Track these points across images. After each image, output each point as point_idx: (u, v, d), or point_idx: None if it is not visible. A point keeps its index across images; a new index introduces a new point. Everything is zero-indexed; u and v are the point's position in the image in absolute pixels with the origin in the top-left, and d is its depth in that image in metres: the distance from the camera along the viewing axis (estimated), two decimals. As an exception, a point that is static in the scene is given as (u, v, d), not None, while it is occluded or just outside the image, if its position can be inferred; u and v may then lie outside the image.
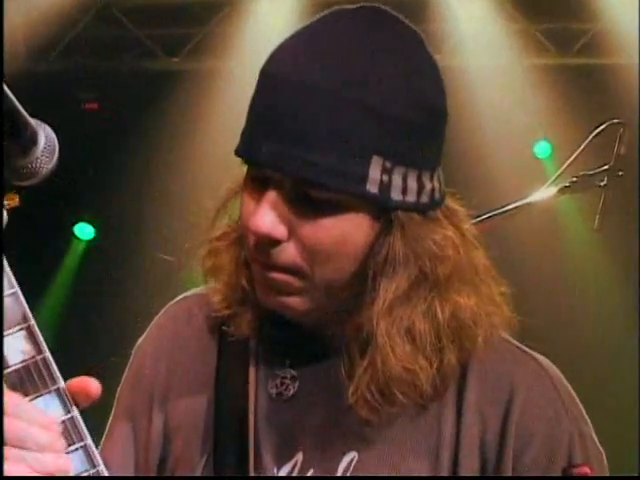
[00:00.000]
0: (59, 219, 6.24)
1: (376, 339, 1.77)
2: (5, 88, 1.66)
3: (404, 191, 1.78)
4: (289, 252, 1.77)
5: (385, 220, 1.78)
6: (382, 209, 1.77)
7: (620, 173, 3.55)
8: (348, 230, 1.78)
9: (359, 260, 1.80)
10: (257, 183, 1.78)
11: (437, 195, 1.81)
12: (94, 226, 6.56)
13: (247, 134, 1.77)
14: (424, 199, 1.80)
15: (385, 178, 1.75)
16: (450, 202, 1.86)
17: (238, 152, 1.79)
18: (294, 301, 1.82)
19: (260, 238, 1.76)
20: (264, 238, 1.75)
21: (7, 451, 1.58)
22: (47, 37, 5.90)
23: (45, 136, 1.68)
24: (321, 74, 1.74)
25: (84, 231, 6.55)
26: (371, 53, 1.77)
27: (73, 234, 6.57)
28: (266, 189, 1.76)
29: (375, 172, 1.75)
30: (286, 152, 1.72)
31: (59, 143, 1.67)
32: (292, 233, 1.77)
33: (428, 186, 1.81)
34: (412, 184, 1.79)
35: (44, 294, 6.25)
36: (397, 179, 1.76)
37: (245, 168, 1.81)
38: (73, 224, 6.53)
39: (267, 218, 1.74)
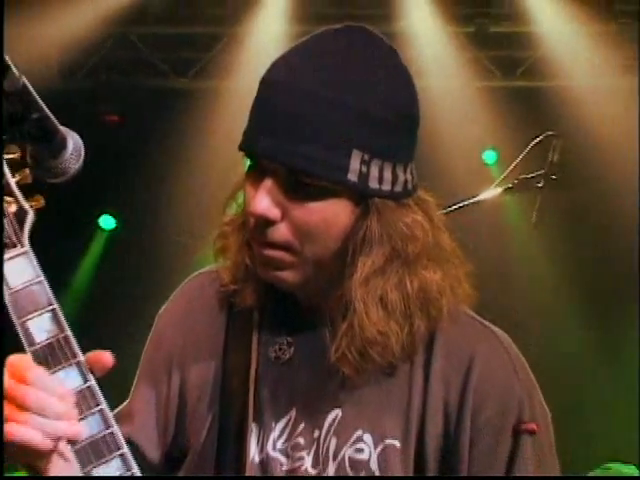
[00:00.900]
0: (85, 212, 6.20)
1: (354, 306, 1.78)
2: (39, 100, 1.65)
3: (380, 181, 1.78)
4: (282, 231, 1.77)
5: (364, 205, 1.78)
6: (361, 196, 1.77)
7: (553, 177, 3.59)
8: (332, 213, 1.78)
9: (341, 239, 1.79)
10: (256, 173, 1.78)
11: (409, 186, 1.82)
12: (115, 218, 6.52)
13: (248, 131, 1.77)
14: (398, 188, 1.80)
15: (364, 169, 1.76)
16: (422, 193, 1.85)
17: (241, 147, 1.79)
18: (287, 275, 1.81)
19: (258, 219, 1.76)
20: (261, 219, 1.75)
21: (28, 418, 1.57)
22: (75, 59, 5.87)
23: (73, 141, 1.66)
24: (311, 81, 1.75)
25: (107, 222, 6.52)
26: (353, 64, 1.78)
27: (97, 225, 6.53)
28: (263, 178, 1.76)
29: (355, 163, 1.75)
30: (279, 145, 1.73)
31: (85, 148, 1.67)
32: (285, 215, 1.76)
33: (401, 177, 1.82)
34: (387, 175, 1.79)
35: (72, 277, 6.22)
36: (374, 170, 1.77)
37: (247, 163, 1.80)
38: (97, 216, 6.49)
39: (264, 202, 1.75)
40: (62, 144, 1.66)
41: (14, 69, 1.60)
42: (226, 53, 5.96)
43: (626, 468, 4.42)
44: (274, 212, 1.76)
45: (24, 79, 1.61)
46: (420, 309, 1.82)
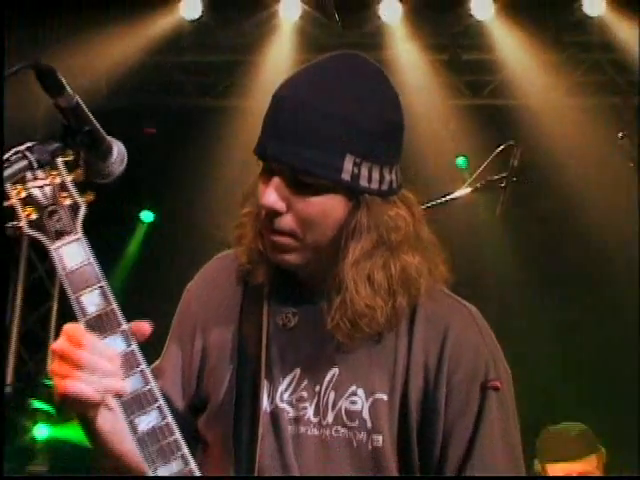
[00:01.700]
0: (128, 208, 6.21)
1: (346, 284, 1.79)
2: (90, 115, 1.66)
3: (369, 180, 1.79)
4: (287, 221, 1.78)
5: (355, 200, 1.79)
6: (353, 193, 1.79)
7: (514, 179, 3.60)
8: (329, 206, 1.79)
9: (336, 228, 1.80)
10: (267, 173, 1.79)
11: (394, 185, 1.85)
12: (154, 212, 6.52)
13: (260, 138, 1.78)
14: (384, 187, 1.82)
15: (355, 170, 1.76)
16: (405, 191, 1.86)
17: (254, 151, 1.80)
18: (291, 257, 1.83)
19: (267, 210, 1.77)
20: (270, 210, 1.77)
21: (82, 375, 1.58)
22: (120, 82, 5.88)
23: (117, 148, 1.67)
24: (312, 97, 1.77)
25: (146, 216, 6.52)
26: (348, 83, 1.80)
27: (138, 218, 6.53)
28: (272, 177, 1.77)
29: (348, 165, 1.76)
30: (285, 150, 1.75)
31: (128, 154, 1.69)
32: (290, 207, 1.78)
33: (387, 178, 1.83)
34: (375, 175, 1.81)
35: (117, 263, 6.22)
36: (364, 171, 1.79)
37: (261, 165, 1.81)
38: (139, 211, 6.50)
39: (272, 196, 1.76)
40: (108, 151, 1.67)
41: (69, 89, 1.60)
42: (244, 77, 5.96)
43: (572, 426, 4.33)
44: (280, 205, 1.77)
45: (77, 98, 1.62)
46: (402, 287, 1.82)
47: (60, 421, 5.62)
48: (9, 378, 5.95)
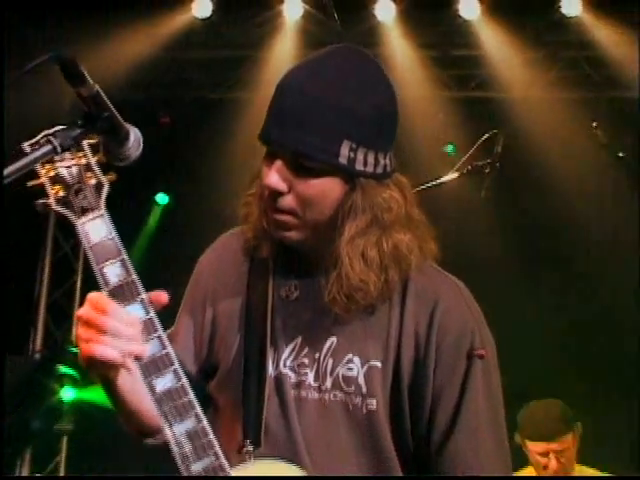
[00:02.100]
0: (145, 190, 6.20)
1: (342, 259, 1.78)
2: (108, 103, 1.65)
3: (365, 164, 1.77)
4: (289, 201, 1.76)
5: (351, 183, 1.77)
6: (349, 175, 1.76)
7: (497, 164, 3.59)
8: (327, 187, 1.77)
9: (333, 208, 1.78)
10: (271, 156, 1.77)
11: (388, 169, 1.83)
12: (168, 195, 6.50)
13: (264, 124, 1.76)
14: (379, 170, 1.80)
15: (352, 155, 1.74)
16: (398, 175, 1.84)
17: (259, 137, 1.78)
18: (292, 234, 1.81)
19: (270, 191, 1.76)
20: (273, 191, 1.75)
21: (106, 339, 1.57)
22: (138, 75, 5.85)
23: (134, 134, 1.66)
24: (312, 87, 1.74)
25: (161, 199, 6.50)
26: (346, 74, 1.77)
27: (154, 201, 6.51)
28: (275, 160, 1.76)
29: (345, 150, 1.73)
30: (287, 135, 1.73)
31: (145, 142, 1.67)
32: (291, 188, 1.76)
33: (382, 162, 1.81)
34: (370, 160, 1.79)
35: (134, 243, 6.21)
36: (360, 156, 1.77)
37: (265, 149, 1.80)
38: (154, 194, 6.48)
39: (274, 178, 1.75)
40: (126, 136, 1.65)
41: (89, 79, 1.58)
42: (251, 71, 5.94)
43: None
44: (282, 185, 1.75)
45: (97, 87, 1.62)
46: (393, 263, 1.81)
47: (84, 384, 5.63)
48: (38, 346, 5.97)
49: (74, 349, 5.77)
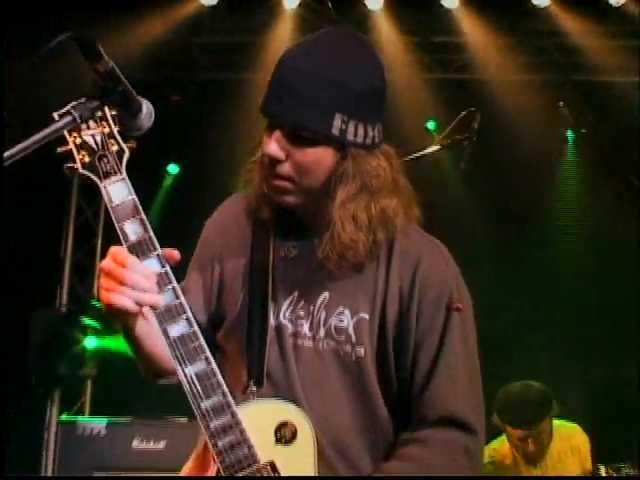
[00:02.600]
0: (157, 161, 6.16)
1: (334, 222, 1.75)
2: (122, 77, 1.63)
3: (355, 135, 1.74)
4: (286, 168, 1.74)
5: (343, 152, 1.75)
6: (341, 145, 1.74)
7: (474, 139, 3.56)
8: (321, 156, 1.74)
9: (326, 175, 1.76)
10: (270, 128, 1.75)
11: (376, 140, 1.81)
12: (179, 165, 6.45)
13: (264, 98, 1.74)
14: (368, 141, 1.78)
15: (343, 126, 1.72)
16: (385, 146, 1.82)
17: (260, 110, 1.76)
18: (290, 198, 1.79)
19: (270, 158, 1.73)
20: (272, 158, 1.73)
21: (125, 290, 1.56)
22: (150, 57, 5.78)
23: (146, 106, 1.65)
24: (309, 64, 1.72)
25: (173, 169, 6.45)
26: (340, 53, 1.74)
27: (166, 171, 6.46)
28: (274, 131, 1.73)
29: (337, 122, 1.71)
30: (285, 108, 1.70)
31: (156, 117, 1.66)
32: (288, 156, 1.74)
33: (371, 134, 1.79)
34: (360, 131, 1.76)
35: (149, 208, 6.19)
36: (351, 128, 1.75)
37: (266, 121, 1.78)
38: (166, 165, 6.43)
39: (273, 147, 1.72)
40: (139, 108, 1.64)
41: (105, 56, 1.56)
42: (253, 54, 5.87)
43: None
44: (280, 154, 1.73)
45: (112, 63, 1.61)
46: (381, 225, 1.79)
47: (105, 334, 5.64)
48: (64, 301, 5.97)
49: (96, 303, 5.77)
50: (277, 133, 1.73)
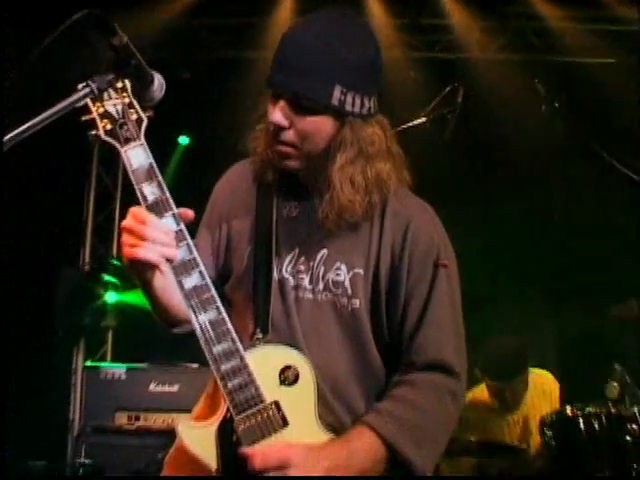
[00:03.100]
0: (168, 133, 6.11)
1: (334, 184, 1.73)
2: (135, 51, 1.60)
3: (353, 105, 1.71)
4: (289, 135, 1.72)
5: (341, 121, 1.72)
6: (340, 114, 1.71)
7: (457, 112, 3.52)
8: (321, 124, 1.72)
9: (326, 141, 1.73)
10: (274, 98, 1.72)
11: (372, 110, 1.78)
12: (189, 136, 6.38)
13: (270, 71, 1.71)
14: (364, 111, 1.75)
15: (342, 97, 1.69)
16: (380, 116, 1.80)
17: (265, 82, 1.73)
18: (291, 163, 1.77)
19: (275, 126, 1.71)
20: (277, 126, 1.70)
21: (146, 244, 1.55)
22: (161, 37, 5.66)
23: (158, 79, 1.64)
24: (311, 38, 1.69)
25: (183, 140, 6.38)
26: (339, 28, 1.72)
27: (176, 142, 6.38)
28: (278, 101, 1.70)
29: (337, 93, 1.68)
30: (289, 80, 1.68)
31: (167, 92, 1.66)
32: (291, 124, 1.71)
33: (367, 104, 1.76)
34: (358, 102, 1.73)
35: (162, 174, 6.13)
36: (349, 98, 1.72)
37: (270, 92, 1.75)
38: (177, 136, 6.36)
39: (278, 115, 1.70)
40: (151, 80, 1.63)
41: (120, 31, 1.55)
42: (257, 34, 5.78)
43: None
44: (284, 122, 1.71)
45: (126, 38, 1.58)
46: (376, 187, 1.77)
47: (124, 289, 5.65)
48: (87, 260, 5.96)
49: (115, 262, 5.77)
50: (281, 103, 1.70)
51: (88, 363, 5.09)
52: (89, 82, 1.55)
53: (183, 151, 6.31)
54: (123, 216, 1.61)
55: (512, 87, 5.63)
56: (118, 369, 4.53)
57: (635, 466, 3.29)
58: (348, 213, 1.75)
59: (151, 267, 1.60)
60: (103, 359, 5.83)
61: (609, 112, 5.44)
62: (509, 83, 5.67)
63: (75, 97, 1.52)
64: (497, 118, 5.68)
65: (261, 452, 1.60)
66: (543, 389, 4.03)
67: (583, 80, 5.60)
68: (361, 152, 1.74)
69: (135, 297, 5.46)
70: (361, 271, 1.78)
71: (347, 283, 1.78)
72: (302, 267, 1.80)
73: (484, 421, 4.01)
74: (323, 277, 1.79)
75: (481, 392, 4.11)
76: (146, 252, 1.54)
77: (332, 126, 1.72)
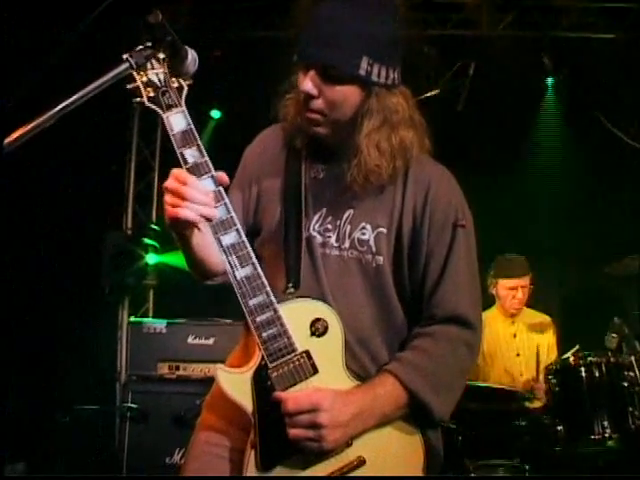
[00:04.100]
0: (200, 107, 6.01)
1: (361, 150, 1.71)
2: (170, 29, 1.57)
3: (378, 76, 1.68)
4: (319, 103, 1.68)
5: (368, 90, 1.69)
6: (366, 84, 1.67)
7: (469, 84, 3.44)
8: (348, 94, 1.70)
9: (353, 110, 1.70)
10: (305, 69, 1.69)
11: (396, 81, 1.74)
12: (220, 110, 6.30)
13: (300, 44, 1.68)
14: (389, 82, 1.71)
15: (369, 68, 1.65)
16: (403, 87, 1.77)
17: (297, 54, 1.70)
18: (320, 129, 1.74)
19: (305, 95, 1.68)
20: (307, 94, 1.67)
21: (187, 204, 1.52)
22: (193, 19, 5.55)
23: (191, 54, 1.60)
24: (340, 12, 1.65)
25: (215, 114, 6.31)
26: (366, 5, 1.68)
27: (209, 115, 6.30)
28: (309, 71, 1.67)
29: (364, 64, 1.65)
30: (318, 51, 1.64)
31: (201, 69, 1.62)
32: (320, 93, 1.67)
33: (391, 75, 1.72)
34: (383, 73, 1.69)
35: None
36: (375, 69, 1.68)
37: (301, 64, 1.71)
38: (208, 110, 6.27)
39: (308, 84, 1.67)
40: (185, 55, 1.60)
41: (155, 10, 1.52)
42: (284, 14, 5.62)
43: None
44: (314, 91, 1.67)
45: (161, 15, 1.56)
46: (399, 153, 1.73)
47: (163, 251, 5.67)
48: (129, 224, 5.98)
49: (154, 226, 5.78)
50: (311, 72, 1.67)
51: (132, 319, 5.14)
52: (128, 57, 1.54)
53: (215, 125, 6.22)
54: (161, 185, 1.58)
55: (520, 60, 5.50)
56: (159, 324, 4.57)
57: (630, 409, 3.32)
58: (374, 176, 1.72)
59: (190, 225, 1.57)
60: (146, 315, 5.88)
61: (608, 83, 5.33)
62: (517, 57, 5.52)
63: (115, 72, 1.50)
64: (505, 90, 5.53)
65: (293, 396, 1.59)
66: (541, 323, 4.47)
67: (585, 54, 5.46)
68: (386, 120, 1.70)
69: (173, 258, 5.48)
70: (384, 230, 1.75)
71: (372, 241, 1.75)
72: (329, 226, 1.77)
73: (492, 333, 4.41)
74: (349, 235, 1.76)
75: (491, 311, 4.49)
76: (186, 212, 1.51)
77: (359, 95, 1.68)
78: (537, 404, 3.85)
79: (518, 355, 4.29)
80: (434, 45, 5.61)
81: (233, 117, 6.04)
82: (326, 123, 1.72)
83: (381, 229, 1.75)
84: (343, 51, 1.63)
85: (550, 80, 5.88)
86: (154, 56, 1.56)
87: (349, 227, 1.76)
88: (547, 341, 4.35)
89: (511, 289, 4.37)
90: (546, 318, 4.47)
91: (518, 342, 4.36)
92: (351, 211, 1.77)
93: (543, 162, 5.88)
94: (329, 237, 1.77)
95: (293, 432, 1.58)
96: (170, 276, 5.43)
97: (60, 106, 1.44)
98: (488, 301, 4.38)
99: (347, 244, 1.76)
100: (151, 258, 5.66)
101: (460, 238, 1.76)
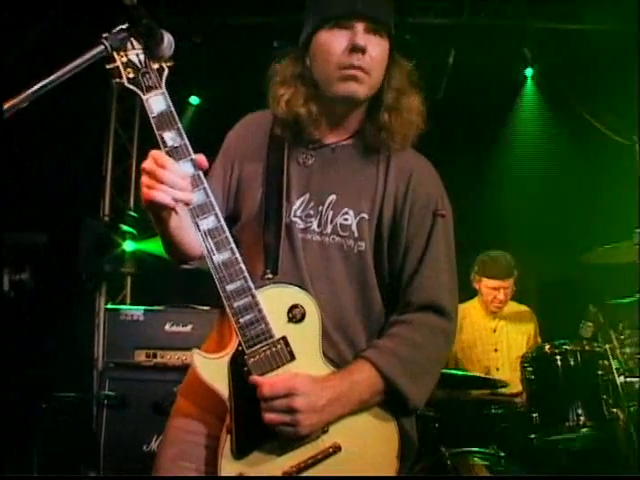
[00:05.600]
0: (179, 93, 5.93)
1: (390, 109, 1.80)
2: (145, 12, 1.55)
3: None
4: (366, 59, 1.69)
5: (391, 53, 1.78)
6: (391, 46, 1.76)
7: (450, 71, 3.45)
8: (385, 52, 1.75)
9: (383, 73, 1.77)
10: (340, 28, 1.70)
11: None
12: (199, 96, 6.23)
13: (339, 3, 1.71)
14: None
15: (393, 30, 1.76)
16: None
17: (334, 12, 1.71)
18: (359, 88, 1.73)
19: (356, 49, 1.68)
20: (359, 48, 1.67)
21: (164, 187, 1.50)
22: (173, 4, 5.49)
23: (167, 37, 1.59)
24: None
25: (194, 100, 6.24)
26: None
27: (188, 102, 6.23)
28: (353, 27, 1.69)
29: (392, 25, 1.75)
30: (366, 6, 1.68)
31: (180, 55, 1.60)
32: (367, 48, 1.69)
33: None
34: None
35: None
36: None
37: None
38: (188, 96, 6.20)
39: (363, 39, 1.69)
40: (161, 38, 1.58)
41: None
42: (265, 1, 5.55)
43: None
44: (364, 46, 1.68)
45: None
46: (420, 117, 1.84)
47: (141, 239, 5.61)
48: (107, 211, 5.91)
49: (132, 213, 5.72)
50: (360, 27, 1.68)
51: (109, 306, 5.09)
52: (103, 40, 1.52)
53: (194, 111, 6.16)
54: (139, 172, 1.56)
55: (500, 49, 5.51)
56: (136, 311, 4.53)
57: (605, 397, 3.35)
58: (403, 139, 1.76)
59: (167, 209, 1.55)
60: (123, 302, 5.83)
61: (588, 73, 5.36)
62: (498, 46, 5.54)
63: (91, 53, 1.47)
64: (485, 79, 5.54)
65: (269, 381, 1.59)
66: (520, 315, 4.41)
67: (566, 44, 5.48)
68: (407, 83, 1.77)
69: (151, 246, 5.43)
70: (367, 216, 1.75)
71: (354, 227, 1.75)
72: (312, 211, 1.77)
73: (473, 325, 4.37)
74: (331, 221, 1.76)
75: (472, 303, 4.43)
76: (162, 195, 1.49)
77: (388, 58, 1.74)
78: (513, 390, 3.88)
79: (496, 350, 4.25)
80: (416, 33, 5.61)
81: (212, 103, 5.98)
82: (367, 84, 1.71)
83: (363, 215, 1.75)
84: (384, 7, 1.69)
85: (529, 70, 5.91)
86: (133, 37, 1.54)
87: (331, 212, 1.76)
88: (528, 335, 4.33)
89: (493, 289, 4.29)
90: (527, 309, 4.39)
91: (497, 337, 4.32)
92: (334, 197, 1.76)
93: (521, 152, 5.93)
94: (311, 222, 1.76)
95: (268, 416, 1.58)
96: (148, 263, 5.39)
97: (34, 87, 1.41)
98: (470, 293, 4.35)
99: (329, 229, 1.75)
100: (129, 245, 5.61)
101: (439, 227, 1.77)
